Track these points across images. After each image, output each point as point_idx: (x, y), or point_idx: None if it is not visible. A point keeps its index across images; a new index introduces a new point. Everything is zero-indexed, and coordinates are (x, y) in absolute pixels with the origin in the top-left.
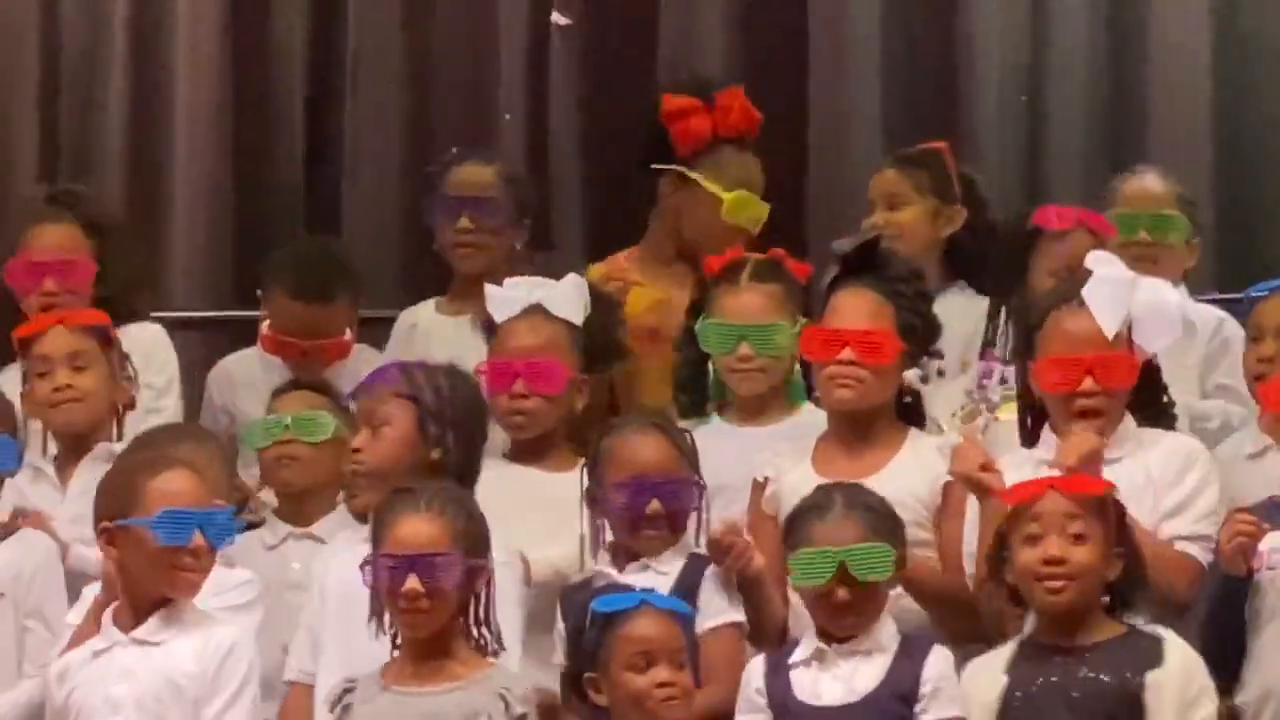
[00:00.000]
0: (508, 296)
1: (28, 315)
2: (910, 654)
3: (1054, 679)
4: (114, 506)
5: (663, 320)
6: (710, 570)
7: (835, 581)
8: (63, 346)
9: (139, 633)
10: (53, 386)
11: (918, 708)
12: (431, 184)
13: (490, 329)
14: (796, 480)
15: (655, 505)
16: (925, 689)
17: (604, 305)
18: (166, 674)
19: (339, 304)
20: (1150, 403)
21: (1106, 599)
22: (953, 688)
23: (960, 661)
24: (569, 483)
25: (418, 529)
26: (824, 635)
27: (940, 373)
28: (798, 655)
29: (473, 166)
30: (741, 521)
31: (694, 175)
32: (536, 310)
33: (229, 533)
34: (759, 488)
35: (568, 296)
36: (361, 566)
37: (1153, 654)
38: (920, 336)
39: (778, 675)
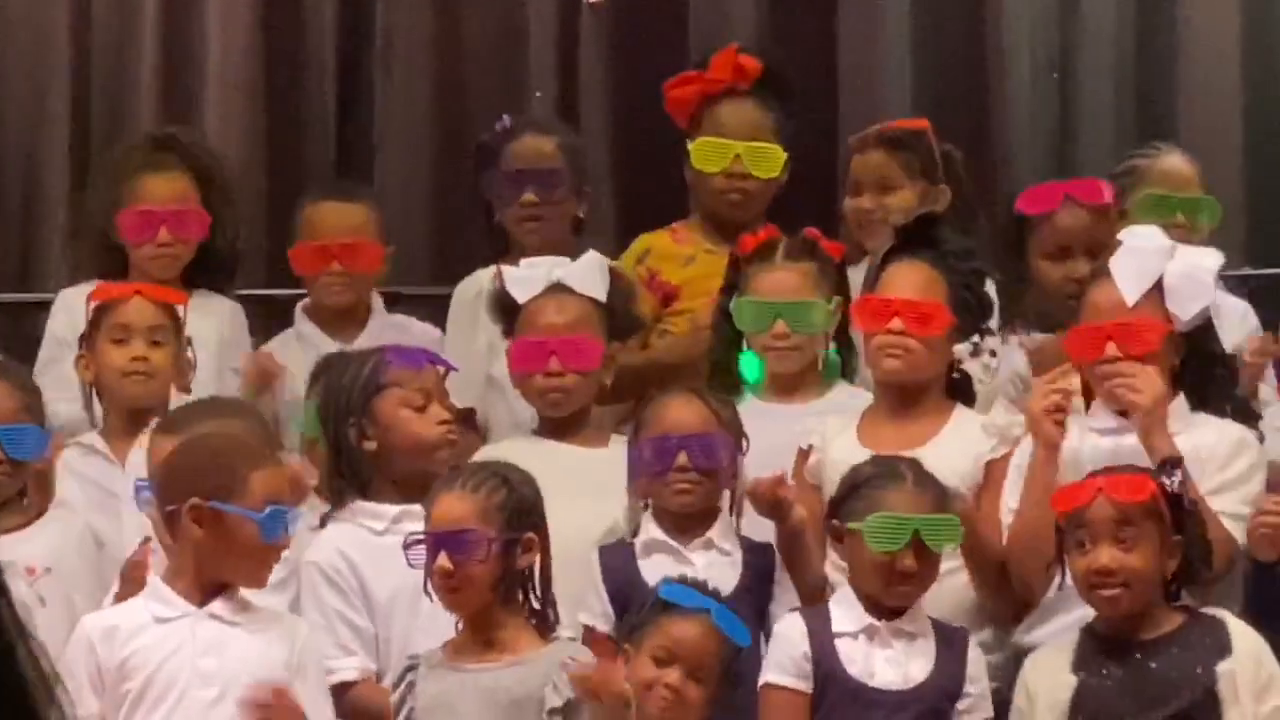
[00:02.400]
0: (527, 276)
1: (139, 265)
2: (951, 646)
3: (1123, 676)
4: (206, 487)
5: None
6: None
7: (906, 549)
8: (146, 318)
9: (216, 609)
10: (130, 356)
11: (960, 705)
12: (487, 156)
13: (501, 309)
14: (841, 450)
15: (683, 458)
16: (971, 688)
17: (620, 280)
18: (262, 659)
19: (363, 204)
20: (1202, 374)
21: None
22: (987, 688)
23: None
24: (602, 458)
25: (450, 507)
26: (871, 608)
27: (993, 352)
28: (844, 625)
29: (533, 138)
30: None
31: (688, 140)
32: (561, 288)
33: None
34: (803, 455)
35: (589, 273)
36: (405, 547)
37: (1220, 643)
38: (972, 312)
39: (822, 643)
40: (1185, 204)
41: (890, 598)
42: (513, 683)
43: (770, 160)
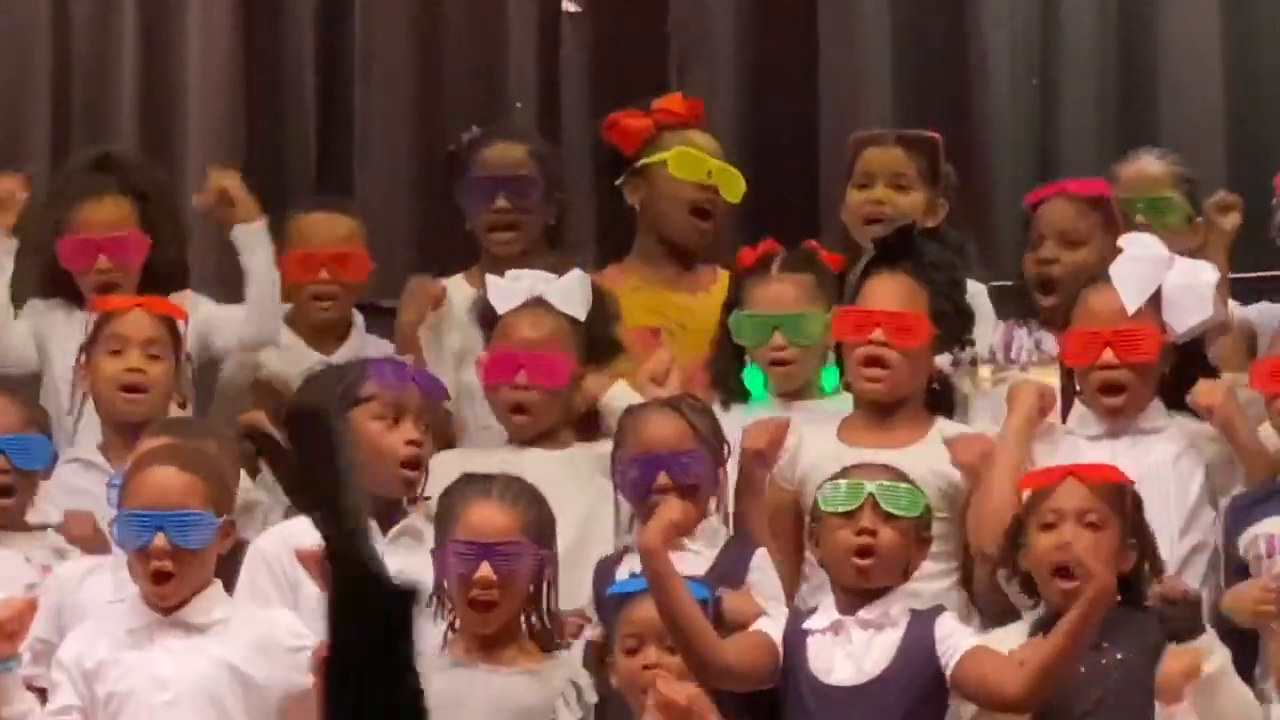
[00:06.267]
0: (510, 288)
1: (83, 292)
2: (920, 626)
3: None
4: None
5: (661, 319)
6: (759, 558)
7: (861, 511)
8: (142, 330)
9: (181, 616)
10: (125, 366)
11: (942, 663)
12: (458, 166)
13: (484, 319)
14: (820, 451)
15: (663, 479)
16: (941, 646)
17: (602, 302)
18: (224, 659)
19: (351, 216)
20: (1189, 386)
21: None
22: (969, 634)
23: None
24: (574, 460)
25: (491, 517)
26: (843, 604)
27: (973, 361)
28: (816, 623)
29: (503, 145)
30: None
31: (642, 162)
32: (539, 303)
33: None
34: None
35: (571, 291)
36: (432, 552)
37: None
38: (953, 323)
39: (793, 639)
40: (1147, 204)
41: (855, 579)
42: (524, 690)
43: (737, 184)
